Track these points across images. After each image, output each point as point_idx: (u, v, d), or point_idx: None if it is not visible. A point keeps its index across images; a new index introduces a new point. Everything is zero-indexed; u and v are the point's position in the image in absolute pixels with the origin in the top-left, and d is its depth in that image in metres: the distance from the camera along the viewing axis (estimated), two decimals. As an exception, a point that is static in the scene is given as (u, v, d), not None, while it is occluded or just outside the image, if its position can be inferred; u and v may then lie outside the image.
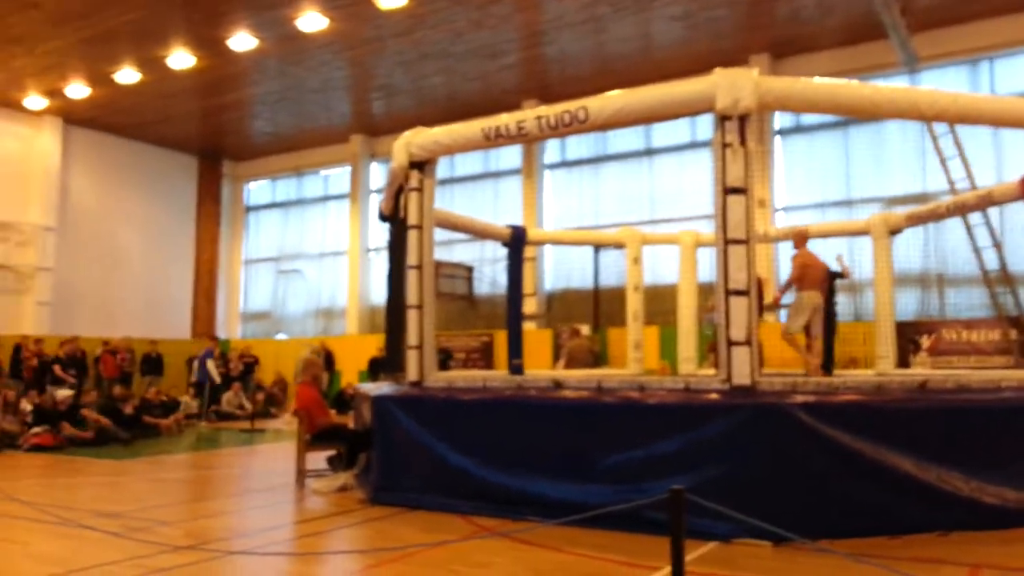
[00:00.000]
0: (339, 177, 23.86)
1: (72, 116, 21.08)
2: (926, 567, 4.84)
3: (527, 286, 15.04)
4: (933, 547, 5.39)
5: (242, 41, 16.25)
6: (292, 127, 22.26)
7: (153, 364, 19.21)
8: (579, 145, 19.45)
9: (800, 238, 9.82)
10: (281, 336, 24.08)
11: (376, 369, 16.29)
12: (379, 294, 21.04)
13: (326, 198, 24.32)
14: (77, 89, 19.08)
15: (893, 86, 7.41)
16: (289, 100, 20.16)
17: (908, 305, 13.96)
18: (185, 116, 21.41)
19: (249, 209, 26.13)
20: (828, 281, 9.78)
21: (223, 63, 17.45)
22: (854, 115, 7.53)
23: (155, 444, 12.70)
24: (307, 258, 24.23)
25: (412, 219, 8.11)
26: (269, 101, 20.35)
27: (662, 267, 14.83)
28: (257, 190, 26.14)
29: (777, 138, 16.95)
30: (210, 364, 17.18)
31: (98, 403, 13.73)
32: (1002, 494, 5.91)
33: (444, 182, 20.26)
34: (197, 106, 20.70)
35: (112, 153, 22.81)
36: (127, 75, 18.10)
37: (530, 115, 7.44)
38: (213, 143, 24.01)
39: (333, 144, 23.02)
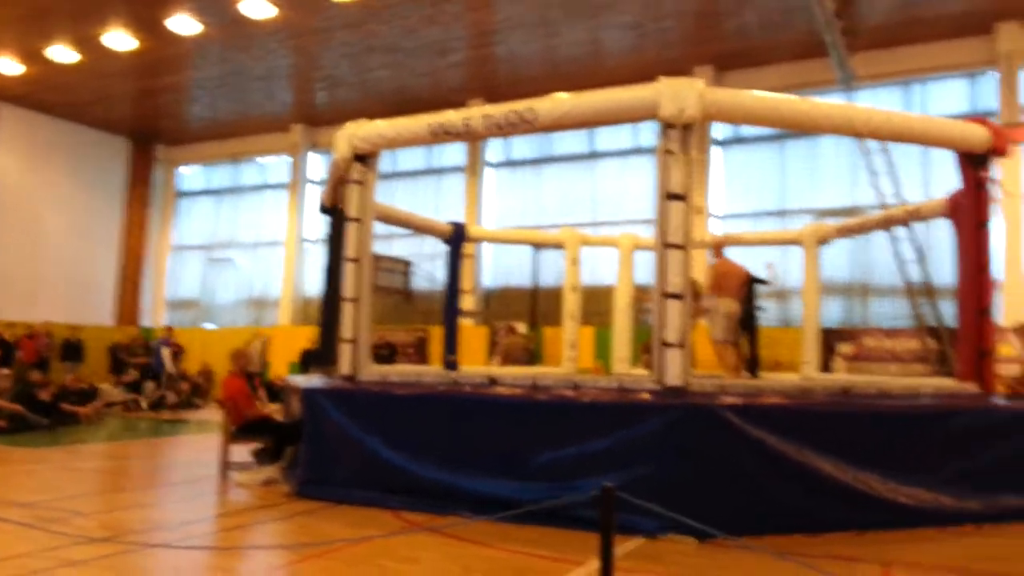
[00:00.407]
0: (277, 166, 23.43)
1: (2, 92, 20.22)
2: (842, 564, 4.99)
3: (465, 283, 15.02)
4: (849, 545, 5.57)
5: (184, 24, 15.81)
6: (231, 113, 21.75)
7: (73, 350, 18.55)
8: (523, 145, 19.50)
9: (719, 246, 10.04)
10: (209, 325, 23.53)
11: (308, 361, 16.04)
12: (314, 285, 20.74)
13: (263, 187, 23.84)
14: (9, 65, 18.32)
15: (831, 103, 7.64)
16: (230, 86, 19.69)
17: (833, 313, 14.45)
18: (120, 97, 20.71)
19: (181, 195, 25.45)
20: (748, 286, 10.00)
21: (163, 45, 16.95)
22: (793, 128, 7.74)
23: (74, 432, 12.25)
24: (240, 247, 23.72)
25: (352, 212, 8.02)
26: (209, 86, 19.84)
27: (600, 268, 14.99)
28: (190, 176, 25.48)
29: (717, 148, 17.29)
30: (164, 352, 16.72)
31: (13, 390, 13.18)
32: (916, 495, 6.15)
33: (386, 176, 20.06)
34: (133, 87, 20.04)
35: (41, 132, 21.94)
36: (62, 53, 17.43)
37: (477, 113, 7.43)
38: (147, 126, 23.29)
39: (273, 132, 22.58)
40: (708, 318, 9.64)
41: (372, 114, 9.00)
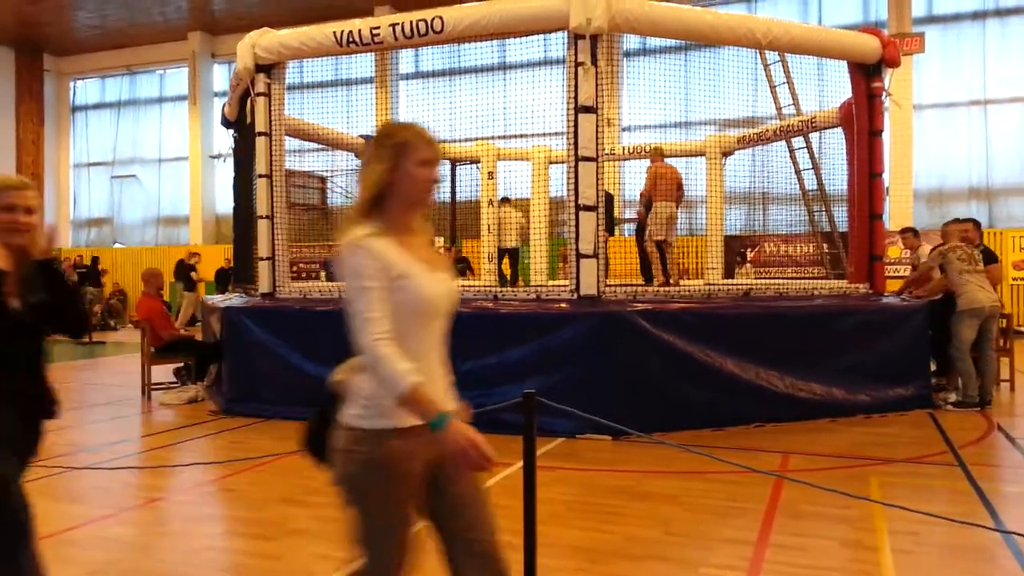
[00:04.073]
0: (176, 77, 22.33)
1: None
2: (745, 454, 5.47)
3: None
4: (752, 438, 6.08)
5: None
6: (121, 20, 20.48)
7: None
8: (433, 57, 19.10)
9: (656, 154, 10.16)
10: (118, 245, 22.71)
11: (224, 280, 15.79)
12: (225, 203, 20.19)
13: (161, 99, 22.74)
14: None
15: (733, 14, 7.80)
16: (117, -10, 18.52)
17: (736, 221, 15.02)
18: (-3, 2, 19.23)
19: (76, 109, 24.05)
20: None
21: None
22: (697, 40, 7.87)
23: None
24: (144, 163, 22.75)
25: (260, 126, 7.87)
26: (95, -9, 18.61)
27: (515, 182, 15.06)
28: (85, 88, 24.03)
29: (624, 60, 17.35)
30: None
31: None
32: (812, 389, 6.70)
33: (292, 88, 19.40)
34: (10, -9, 18.63)
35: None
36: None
37: (384, 22, 7.31)
38: (32, 35, 21.73)
39: (169, 41, 21.43)
40: (648, 220, 9.73)
41: (274, 22, 8.72)
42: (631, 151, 13.23)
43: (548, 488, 4.43)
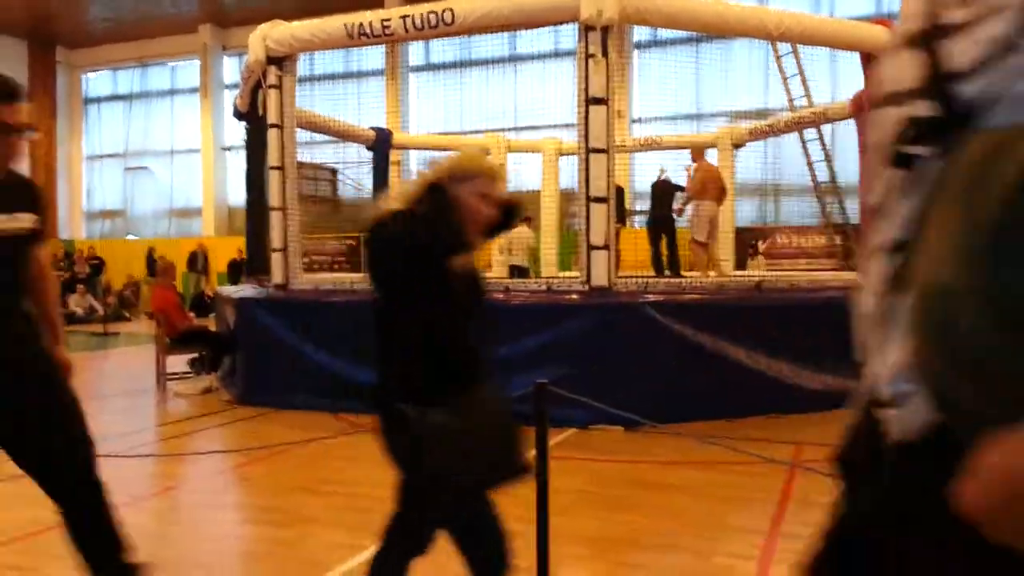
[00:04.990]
0: (188, 70, 22.41)
1: None
2: (758, 445, 5.47)
3: (393, 190, 14.87)
4: (764, 428, 6.08)
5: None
6: (134, 13, 20.55)
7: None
8: (443, 49, 19.10)
9: (698, 150, 9.97)
10: (131, 237, 22.86)
11: (237, 272, 15.89)
12: (237, 195, 20.29)
13: (173, 92, 22.83)
14: None
15: (744, 5, 7.79)
16: (129, -17, 18.60)
17: (748, 213, 14.99)
18: (10, -4, 19.33)
19: (88, 101, 24.18)
20: (670, 193, 10.17)
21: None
22: (709, 31, 7.87)
23: None
24: (156, 155, 22.86)
25: (272, 118, 7.90)
26: (107, -17, 18.69)
27: (526, 173, 15.08)
28: (97, 81, 24.15)
29: (635, 51, 17.30)
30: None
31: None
32: (824, 380, 6.68)
33: (303, 80, 19.43)
34: (24, -16, 18.74)
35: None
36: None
37: (395, 14, 7.32)
38: (45, 27, 21.84)
39: (180, 34, 21.50)
40: (692, 219, 9.60)
41: (284, 13, 8.72)
42: (642, 143, 13.18)
43: (560, 478, 4.44)
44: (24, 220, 2.59)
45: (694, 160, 9.90)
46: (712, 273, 9.56)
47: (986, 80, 0.78)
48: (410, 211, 2.10)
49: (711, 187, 9.52)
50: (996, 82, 0.77)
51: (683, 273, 9.64)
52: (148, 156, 23.01)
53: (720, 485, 4.62)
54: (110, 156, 23.68)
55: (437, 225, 2.08)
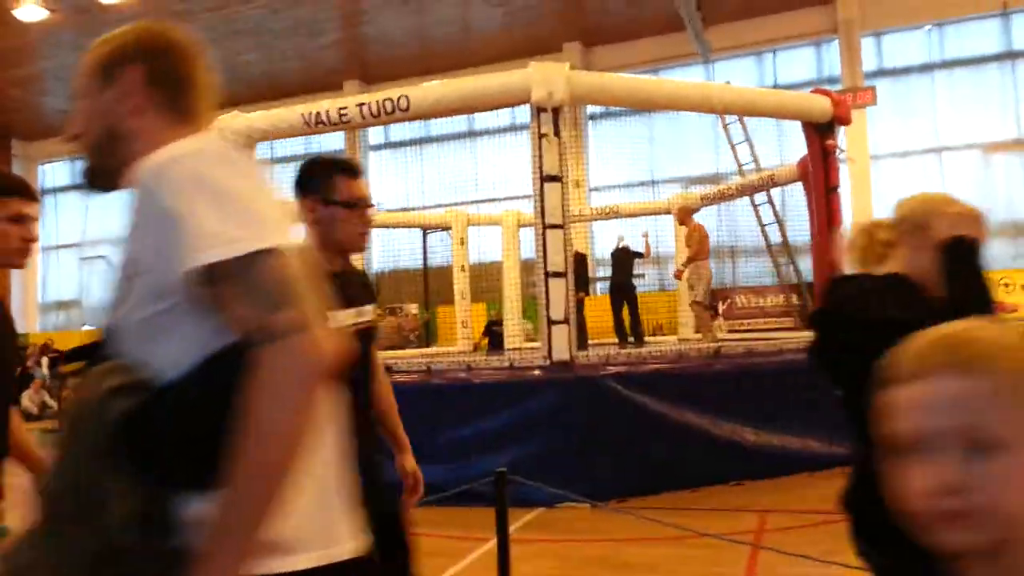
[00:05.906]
0: (145, 157, 22.46)
1: None
2: (723, 516, 5.47)
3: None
4: (730, 496, 6.09)
5: (30, 12, 14.91)
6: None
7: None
8: (402, 127, 19.44)
9: (686, 212, 10.00)
10: (89, 328, 22.48)
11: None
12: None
13: (132, 180, 22.82)
14: None
15: (688, 82, 8.11)
16: (86, 75, 18.73)
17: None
18: (-37, 92, 19.38)
19: (45, 192, 24.05)
20: (630, 260, 10.29)
21: (8, 34, 15.94)
22: (656, 107, 8.16)
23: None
24: (113, 243, 22.63)
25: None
26: (63, 76, 18.73)
27: (486, 245, 15.22)
28: (54, 171, 24.09)
29: (589, 123, 17.78)
30: (43, 360, 15.94)
31: None
32: (787, 443, 6.73)
33: (263, 164, 19.58)
34: (-22, 81, 18.80)
35: None
36: None
37: (352, 102, 7.49)
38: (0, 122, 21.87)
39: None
40: (691, 280, 9.63)
41: (243, 100, 8.90)
42: (601, 212, 13.42)
43: (525, 563, 4.40)
44: None
45: (682, 223, 9.94)
46: (720, 334, 9.64)
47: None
48: None
49: (705, 247, 9.59)
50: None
51: (646, 339, 9.75)
52: (105, 244, 22.84)
53: (687, 562, 4.59)
54: (66, 247, 23.46)
55: None
